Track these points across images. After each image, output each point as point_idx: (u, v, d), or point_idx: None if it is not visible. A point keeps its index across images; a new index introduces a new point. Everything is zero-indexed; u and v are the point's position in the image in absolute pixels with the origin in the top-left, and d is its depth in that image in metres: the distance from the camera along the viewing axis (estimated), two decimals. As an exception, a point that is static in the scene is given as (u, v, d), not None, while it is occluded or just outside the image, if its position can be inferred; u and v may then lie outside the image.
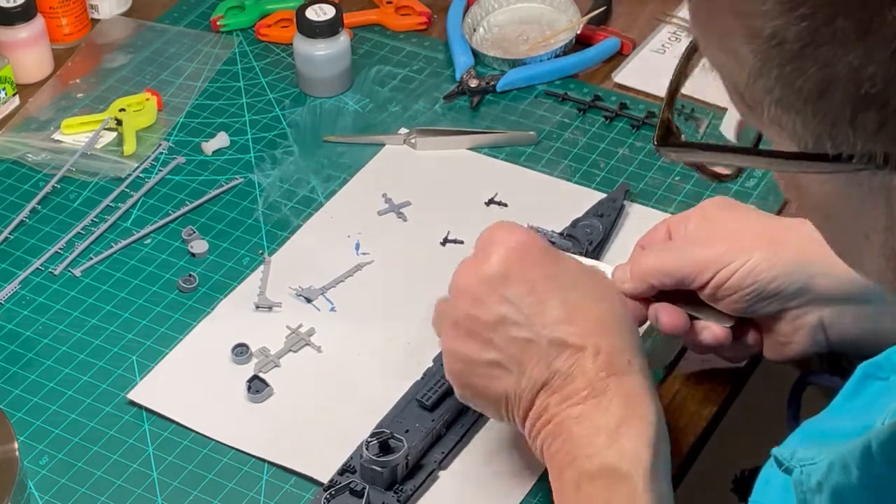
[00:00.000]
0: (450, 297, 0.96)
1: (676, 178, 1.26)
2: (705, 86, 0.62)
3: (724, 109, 1.29)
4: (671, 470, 0.90)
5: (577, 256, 1.03)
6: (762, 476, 0.83)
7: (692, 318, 1.01)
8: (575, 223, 1.18)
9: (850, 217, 0.61)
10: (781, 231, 1.00)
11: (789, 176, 0.64)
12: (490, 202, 1.24)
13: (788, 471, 0.75)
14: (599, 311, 0.92)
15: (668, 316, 1.01)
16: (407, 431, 1.00)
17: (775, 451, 0.77)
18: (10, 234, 1.23)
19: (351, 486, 0.97)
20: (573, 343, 0.91)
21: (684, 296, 1.01)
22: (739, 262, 0.98)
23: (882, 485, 0.70)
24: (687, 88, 1.38)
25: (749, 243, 0.98)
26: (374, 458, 0.97)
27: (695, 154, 0.69)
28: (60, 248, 1.22)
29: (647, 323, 1.03)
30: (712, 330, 1.01)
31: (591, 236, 1.16)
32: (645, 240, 1.05)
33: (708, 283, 0.99)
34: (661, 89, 1.34)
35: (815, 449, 0.75)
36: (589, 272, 0.96)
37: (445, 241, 1.20)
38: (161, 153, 1.31)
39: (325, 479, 0.99)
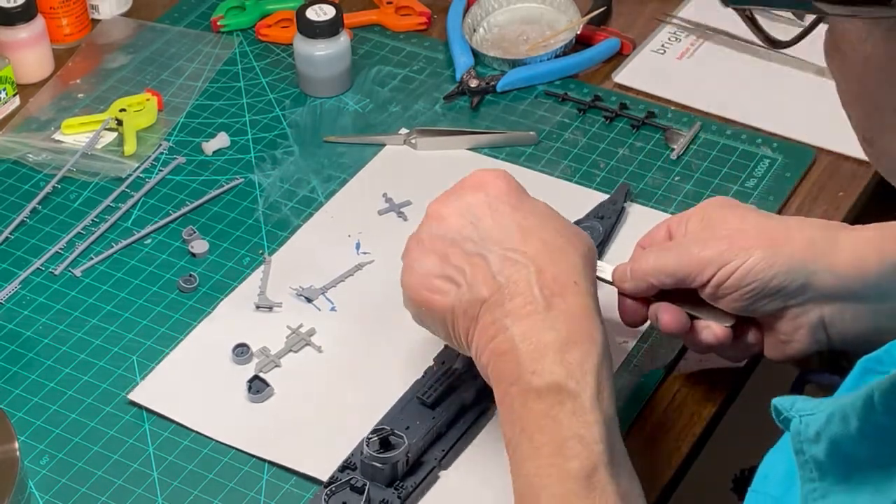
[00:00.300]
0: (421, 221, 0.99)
1: (676, 178, 1.26)
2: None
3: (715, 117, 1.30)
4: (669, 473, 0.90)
5: None
6: (763, 465, 0.82)
7: (692, 317, 1.02)
8: (576, 225, 1.18)
9: (886, 86, 0.65)
10: (782, 230, 1.00)
11: (839, 32, 0.67)
12: (490, 202, 1.24)
13: (787, 421, 0.75)
14: (554, 240, 0.94)
15: (668, 315, 1.01)
16: (407, 428, 1.00)
17: (775, 400, 0.78)
18: (10, 234, 1.23)
19: (351, 482, 0.97)
20: (519, 260, 0.93)
21: (684, 295, 1.01)
22: (740, 261, 0.98)
23: (882, 435, 0.71)
24: (681, 95, 1.38)
25: (749, 242, 0.99)
26: (374, 454, 0.97)
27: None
28: (61, 248, 1.22)
29: (647, 323, 1.03)
30: (713, 329, 1.01)
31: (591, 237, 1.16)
32: (645, 240, 1.05)
33: (708, 281, 0.99)
34: (661, 89, 1.35)
35: (816, 401, 0.75)
36: (560, 217, 0.98)
37: (446, 241, 1.20)
38: (161, 153, 1.31)
39: (325, 479, 0.99)
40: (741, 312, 1.00)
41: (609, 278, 1.03)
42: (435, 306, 0.96)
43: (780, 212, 1.22)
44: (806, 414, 0.75)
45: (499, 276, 0.93)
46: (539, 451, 0.87)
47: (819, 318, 1.00)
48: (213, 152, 1.31)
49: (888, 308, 0.98)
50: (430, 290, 0.96)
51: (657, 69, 1.38)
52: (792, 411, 0.76)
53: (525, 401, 0.89)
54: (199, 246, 1.21)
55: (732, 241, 0.99)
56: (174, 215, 1.24)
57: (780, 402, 0.77)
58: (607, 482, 0.85)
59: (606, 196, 1.23)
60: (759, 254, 0.98)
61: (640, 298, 1.03)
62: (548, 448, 0.87)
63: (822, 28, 0.71)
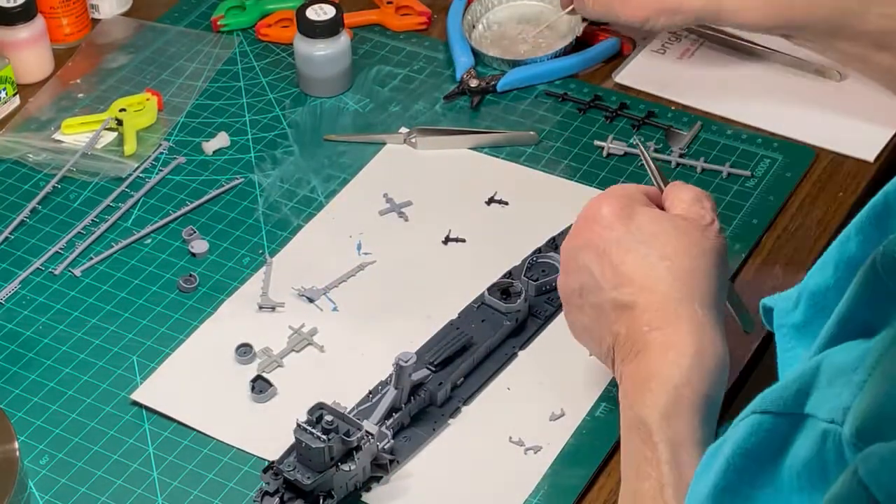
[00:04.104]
0: None
1: (676, 179, 1.25)
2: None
3: (716, 117, 1.30)
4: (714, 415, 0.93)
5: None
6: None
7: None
8: (564, 231, 1.18)
9: None
10: None
11: None
12: (490, 201, 1.24)
13: (770, 312, 0.81)
14: (659, 265, 0.95)
15: None
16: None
17: (763, 300, 0.85)
18: (10, 234, 1.23)
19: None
20: (626, 301, 0.95)
21: None
22: None
23: (854, 267, 0.74)
24: (681, 95, 1.39)
25: None
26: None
27: None
28: (61, 248, 1.22)
29: None
30: None
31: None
32: None
33: None
34: (661, 89, 1.35)
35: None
36: (665, 225, 0.98)
37: (447, 240, 1.20)
38: (161, 153, 1.31)
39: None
40: None
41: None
42: (597, 355, 1.01)
43: (779, 212, 1.22)
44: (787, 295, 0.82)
45: (614, 325, 0.96)
46: (626, 475, 0.92)
47: None
48: (213, 152, 1.31)
49: None
50: (586, 342, 1.01)
51: (657, 69, 1.38)
52: (775, 299, 0.82)
53: (623, 432, 0.94)
54: (199, 246, 1.21)
55: None
56: (174, 215, 1.24)
57: (767, 300, 0.84)
58: (672, 499, 0.87)
59: (598, 195, 1.23)
60: None
61: None
62: (631, 471, 0.91)
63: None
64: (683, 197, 1.01)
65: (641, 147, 1.10)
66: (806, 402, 0.68)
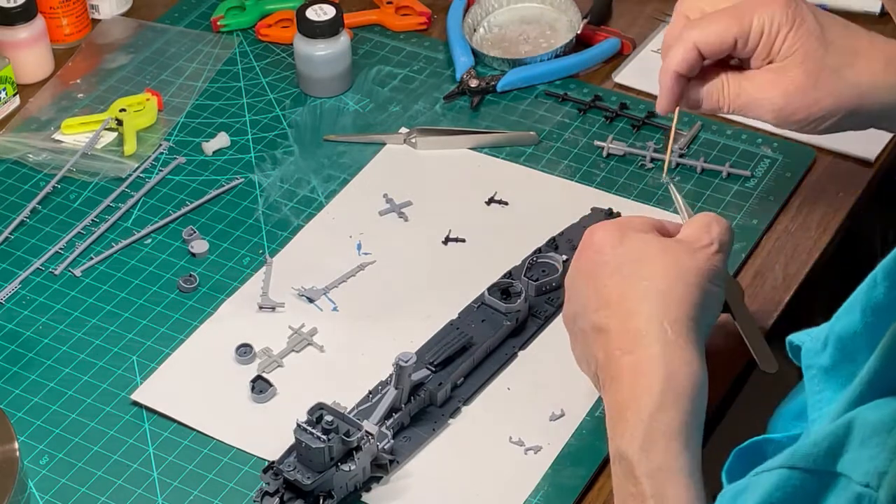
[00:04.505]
0: None
1: (676, 179, 1.25)
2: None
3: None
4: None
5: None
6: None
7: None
8: (564, 232, 1.18)
9: None
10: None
11: None
12: (490, 201, 1.24)
13: (798, 349, 0.82)
14: (638, 286, 0.94)
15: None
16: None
17: (790, 337, 0.87)
18: (10, 234, 1.23)
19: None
20: (602, 325, 0.94)
21: None
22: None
23: (881, 312, 0.75)
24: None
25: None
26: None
27: None
28: (61, 248, 1.22)
29: None
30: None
31: (574, 242, 1.15)
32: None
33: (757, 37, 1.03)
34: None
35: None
36: (652, 249, 0.96)
37: (447, 240, 1.20)
38: (161, 153, 1.31)
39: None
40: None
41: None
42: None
43: (779, 212, 1.22)
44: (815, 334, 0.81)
45: (593, 347, 0.95)
46: None
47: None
48: (213, 152, 1.31)
49: None
50: (580, 366, 1.01)
51: (657, 69, 1.37)
52: (803, 337, 0.81)
53: (612, 463, 0.93)
54: (199, 246, 1.21)
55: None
56: (174, 215, 1.24)
57: (794, 337, 0.81)
58: None
59: (607, 195, 1.23)
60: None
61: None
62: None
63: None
64: (693, 222, 1.00)
65: (672, 186, 1.13)
66: (838, 461, 0.67)
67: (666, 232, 1.00)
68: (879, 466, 0.64)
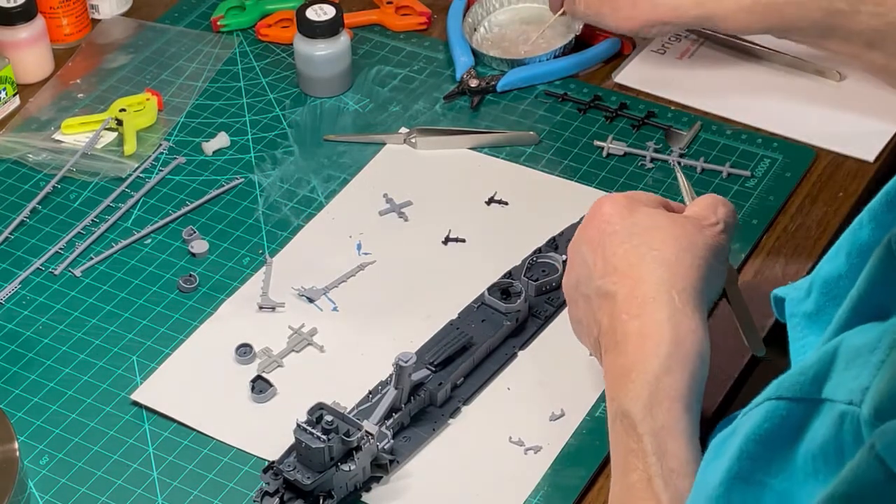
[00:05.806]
0: None
1: (676, 179, 1.25)
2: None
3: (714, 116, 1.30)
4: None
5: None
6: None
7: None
8: (564, 232, 1.18)
9: None
10: None
11: None
12: (490, 201, 1.24)
13: (782, 301, 0.81)
14: (646, 255, 0.95)
15: None
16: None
17: (774, 291, 0.86)
18: (10, 234, 1.23)
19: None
20: (609, 290, 0.95)
21: None
22: None
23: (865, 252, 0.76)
24: (681, 95, 1.39)
25: None
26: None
27: None
28: (61, 248, 1.22)
29: None
30: None
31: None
32: None
33: None
34: (661, 89, 1.35)
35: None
36: (662, 221, 0.98)
37: (447, 240, 1.20)
38: (161, 153, 1.31)
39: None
40: None
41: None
42: (586, 345, 1.02)
43: (779, 212, 1.22)
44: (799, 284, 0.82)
45: (598, 313, 0.96)
46: (615, 465, 0.92)
47: None
48: (213, 152, 1.31)
49: None
50: (577, 334, 1.02)
51: (657, 69, 1.38)
52: (787, 289, 0.82)
53: (609, 424, 0.94)
54: (199, 246, 1.21)
55: None
56: (174, 215, 1.24)
57: (778, 290, 0.84)
58: (661, 490, 0.87)
59: (605, 195, 1.23)
60: None
61: None
62: (619, 463, 0.91)
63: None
64: (700, 201, 1.02)
65: (678, 168, 1.14)
66: (823, 387, 0.68)
67: (671, 209, 1.02)
68: (862, 383, 0.64)
